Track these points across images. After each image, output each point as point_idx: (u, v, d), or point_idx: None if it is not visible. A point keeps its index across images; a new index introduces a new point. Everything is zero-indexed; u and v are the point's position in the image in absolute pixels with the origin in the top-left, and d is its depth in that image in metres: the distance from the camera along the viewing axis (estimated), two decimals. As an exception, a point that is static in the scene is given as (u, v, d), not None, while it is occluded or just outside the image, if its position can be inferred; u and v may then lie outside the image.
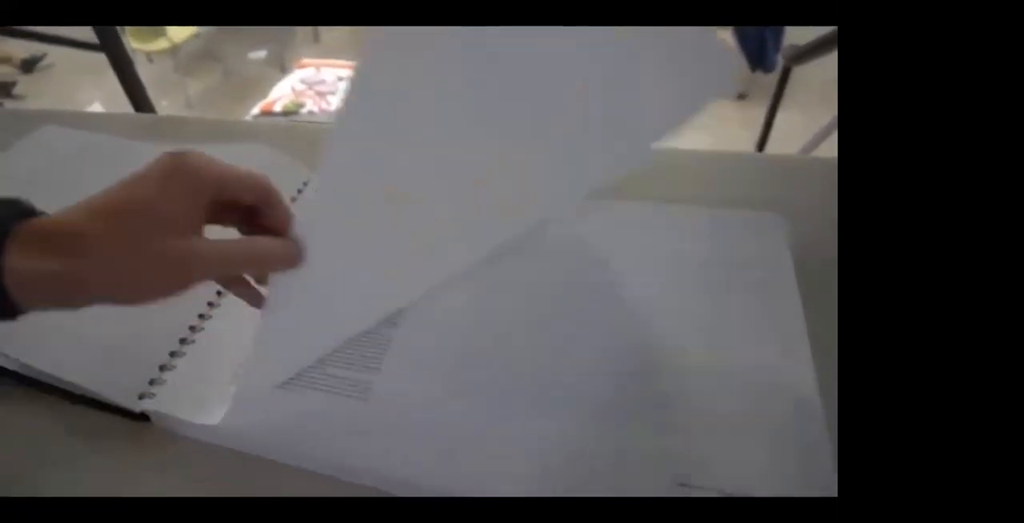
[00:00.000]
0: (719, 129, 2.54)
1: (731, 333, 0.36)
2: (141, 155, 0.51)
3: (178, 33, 2.70)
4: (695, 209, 0.45)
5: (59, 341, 0.35)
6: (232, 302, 0.41)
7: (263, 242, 0.29)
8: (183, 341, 0.38)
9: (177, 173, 0.26)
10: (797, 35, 1.71)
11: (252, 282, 0.33)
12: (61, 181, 0.47)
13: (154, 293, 0.26)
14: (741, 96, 2.64)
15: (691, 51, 0.32)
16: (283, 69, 2.74)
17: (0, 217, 0.24)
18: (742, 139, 2.30)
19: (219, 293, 0.41)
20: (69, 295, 0.25)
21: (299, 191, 0.49)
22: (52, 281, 0.24)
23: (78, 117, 0.72)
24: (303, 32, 3.22)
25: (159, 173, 0.26)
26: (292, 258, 0.29)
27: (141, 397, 0.35)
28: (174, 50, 2.70)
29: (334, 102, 1.84)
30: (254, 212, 0.30)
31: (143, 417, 0.35)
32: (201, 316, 0.39)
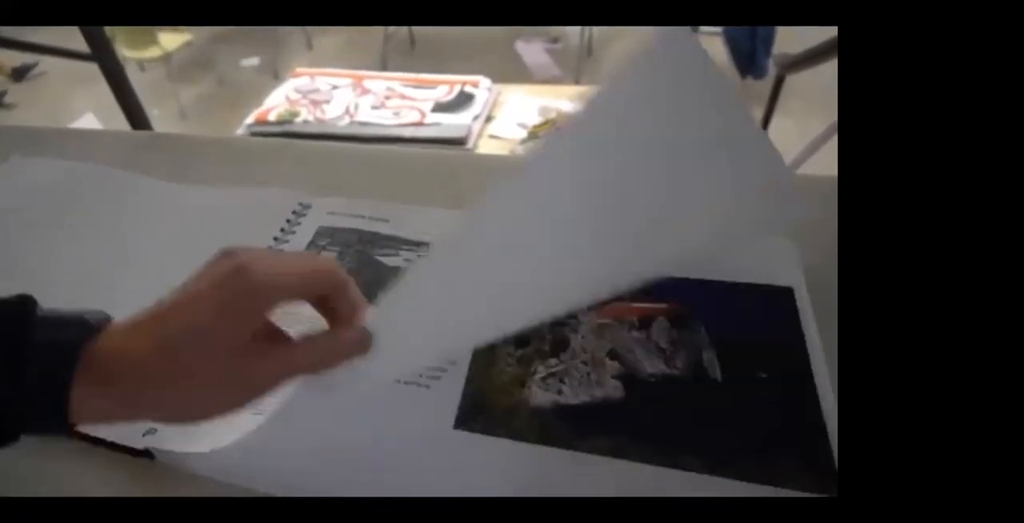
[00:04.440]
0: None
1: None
2: (121, 185, 0.50)
3: (170, 41, 2.70)
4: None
5: None
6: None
7: (329, 345, 0.28)
8: None
9: (237, 296, 0.25)
10: (790, 44, 1.73)
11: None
12: (33, 219, 0.47)
13: (214, 415, 0.26)
14: (733, 102, 2.66)
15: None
16: (276, 77, 2.75)
17: (67, 343, 0.24)
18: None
19: None
20: (121, 419, 0.26)
21: (293, 212, 0.48)
22: (109, 409, 0.25)
23: (69, 135, 0.70)
24: (296, 39, 3.23)
25: (218, 293, 0.25)
26: (361, 349, 0.28)
27: (145, 434, 0.35)
28: (166, 58, 2.70)
29: (328, 111, 1.85)
30: (322, 298, 0.29)
31: (147, 454, 0.35)
32: None
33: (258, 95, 2.01)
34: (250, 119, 1.85)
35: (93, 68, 1.27)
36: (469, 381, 0.36)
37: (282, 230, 0.46)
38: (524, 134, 1.75)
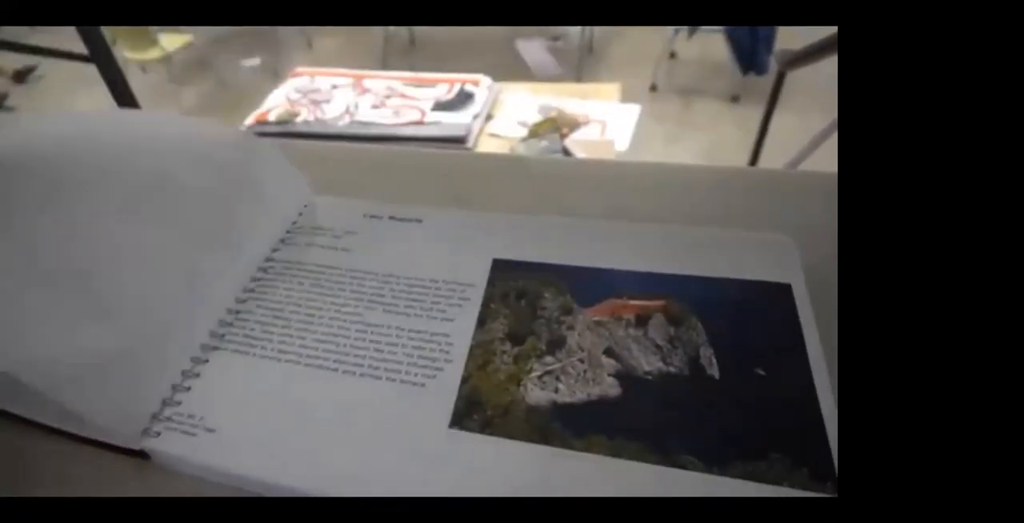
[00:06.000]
0: (714, 131, 2.56)
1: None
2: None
3: (171, 42, 2.71)
4: (699, 231, 0.44)
5: (50, 384, 0.36)
6: (235, 334, 0.40)
7: None
8: (183, 375, 0.37)
9: None
10: (791, 40, 1.73)
11: None
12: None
13: None
14: (734, 98, 2.66)
15: None
16: (277, 77, 2.75)
17: None
18: (737, 140, 2.31)
19: (221, 322, 0.40)
20: None
21: (299, 214, 0.48)
22: None
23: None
24: (295, 40, 3.24)
25: None
26: None
27: (142, 434, 0.35)
28: (167, 59, 2.71)
29: (328, 111, 1.85)
30: None
31: (142, 454, 0.35)
32: (201, 348, 0.39)
33: (259, 96, 2.01)
34: (250, 120, 1.85)
35: (94, 70, 1.27)
36: (464, 379, 0.36)
37: (288, 232, 0.46)
38: (524, 132, 1.75)
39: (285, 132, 1.76)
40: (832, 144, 1.33)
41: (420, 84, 1.92)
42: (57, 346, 0.35)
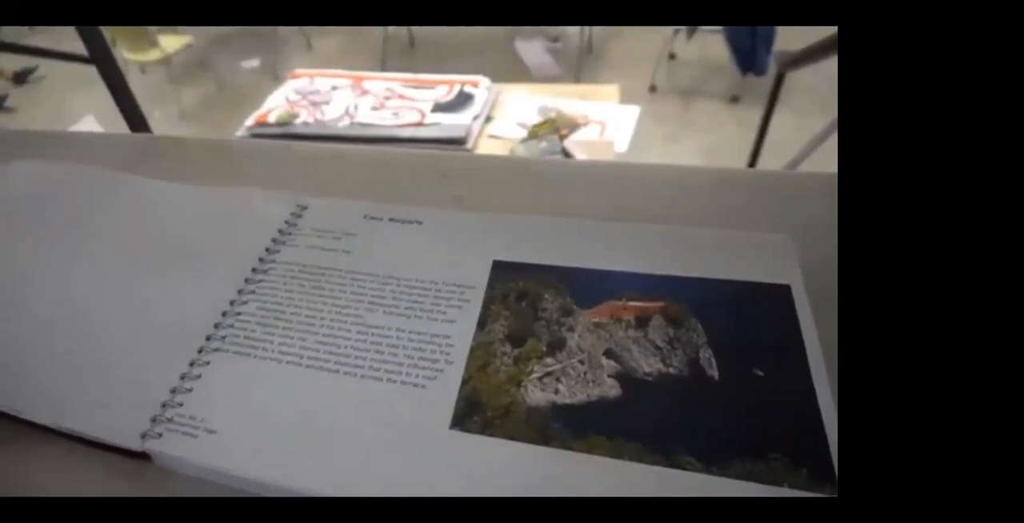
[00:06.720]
0: (714, 131, 2.56)
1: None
2: (119, 188, 0.52)
3: (170, 43, 2.71)
4: (698, 232, 0.44)
5: (52, 387, 0.36)
6: (234, 334, 0.40)
7: None
8: (184, 377, 0.37)
9: None
10: (790, 41, 1.73)
11: None
12: (32, 222, 0.48)
13: None
14: (734, 99, 2.66)
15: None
16: (276, 78, 2.75)
17: None
18: (737, 140, 2.32)
19: (216, 325, 0.40)
20: None
21: (292, 213, 0.48)
22: None
23: (68, 138, 0.70)
24: (295, 40, 3.24)
25: None
26: None
27: (143, 436, 0.35)
28: (166, 60, 2.71)
29: (328, 112, 1.85)
30: None
31: (143, 456, 0.35)
32: (201, 351, 0.39)
33: (258, 97, 2.01)
34: (250, 121, 1.84)
35: (93, 71, 1.27)
36: (465, 381, 0.36)
37: (280, 231, 0.46)
38: (524, 133, 1.75)
39: (285, 134, 1.76)
40: (832, 144, 1.33)
41: (419, 85, 1.92)
42: (48, 380, 0.37)
